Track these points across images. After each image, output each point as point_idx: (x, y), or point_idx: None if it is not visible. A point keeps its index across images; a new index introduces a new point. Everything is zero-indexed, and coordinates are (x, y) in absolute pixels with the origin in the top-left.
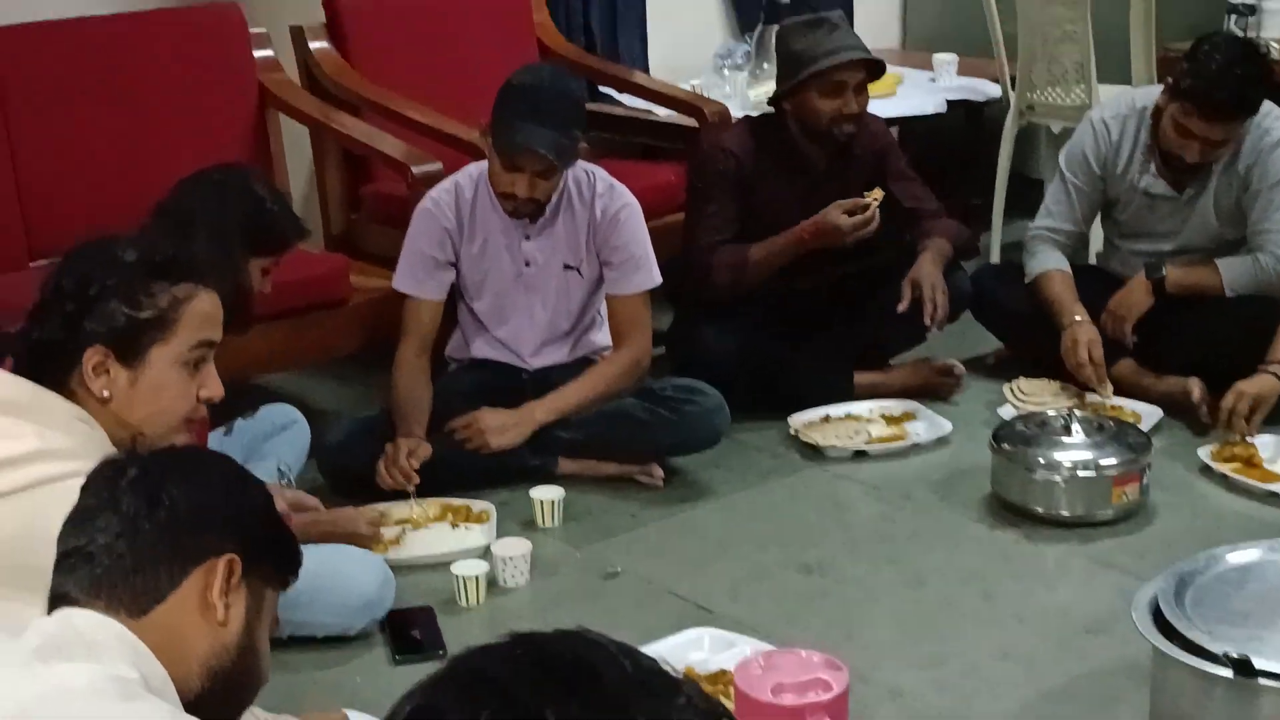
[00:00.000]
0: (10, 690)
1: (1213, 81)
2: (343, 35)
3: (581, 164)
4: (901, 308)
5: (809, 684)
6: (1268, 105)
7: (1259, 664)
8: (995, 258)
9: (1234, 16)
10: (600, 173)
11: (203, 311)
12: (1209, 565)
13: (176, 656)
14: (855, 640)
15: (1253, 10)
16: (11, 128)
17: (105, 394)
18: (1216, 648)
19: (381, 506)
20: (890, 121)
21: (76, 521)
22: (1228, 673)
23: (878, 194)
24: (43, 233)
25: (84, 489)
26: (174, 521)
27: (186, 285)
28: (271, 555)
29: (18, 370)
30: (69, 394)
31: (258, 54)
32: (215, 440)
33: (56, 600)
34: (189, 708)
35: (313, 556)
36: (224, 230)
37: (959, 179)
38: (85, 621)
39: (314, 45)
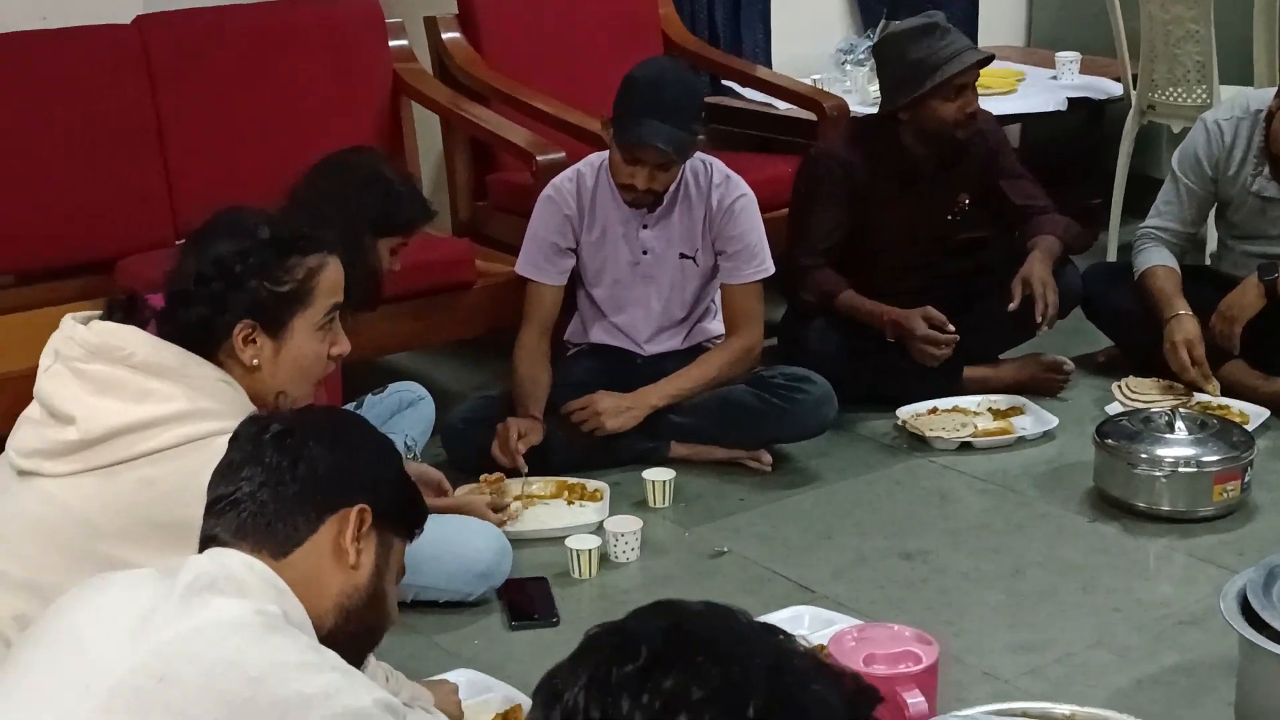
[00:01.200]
0: (169, 621)
1: None
2: (474, 26)
3: (699, 155)
4: (1012, 306)
5: (900, 656)
6: None
7: None
8: (1112, 257)
9: None
10: (717, 164)
11: (333, 279)
12: None
13: (312, 595)
14: (953, 625)
15: None
16: (161, 110)
17: (254, 362)
18: None
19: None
20: (1011, 119)
21: (224, 472)
22: None
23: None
24: (188, 212)
25: (231, 443)
26: (312, 475)
27: (316, 256)
28: (399, 508)
29: (171, 336)
30: (215, 361)
31: (392, 44)
32: None
33: (206, 542)
34: (322, 643)
35: (437, 527)
36: (354, 212)
37: (1079, 178)
38: (234, 561)
39: (446, 36)
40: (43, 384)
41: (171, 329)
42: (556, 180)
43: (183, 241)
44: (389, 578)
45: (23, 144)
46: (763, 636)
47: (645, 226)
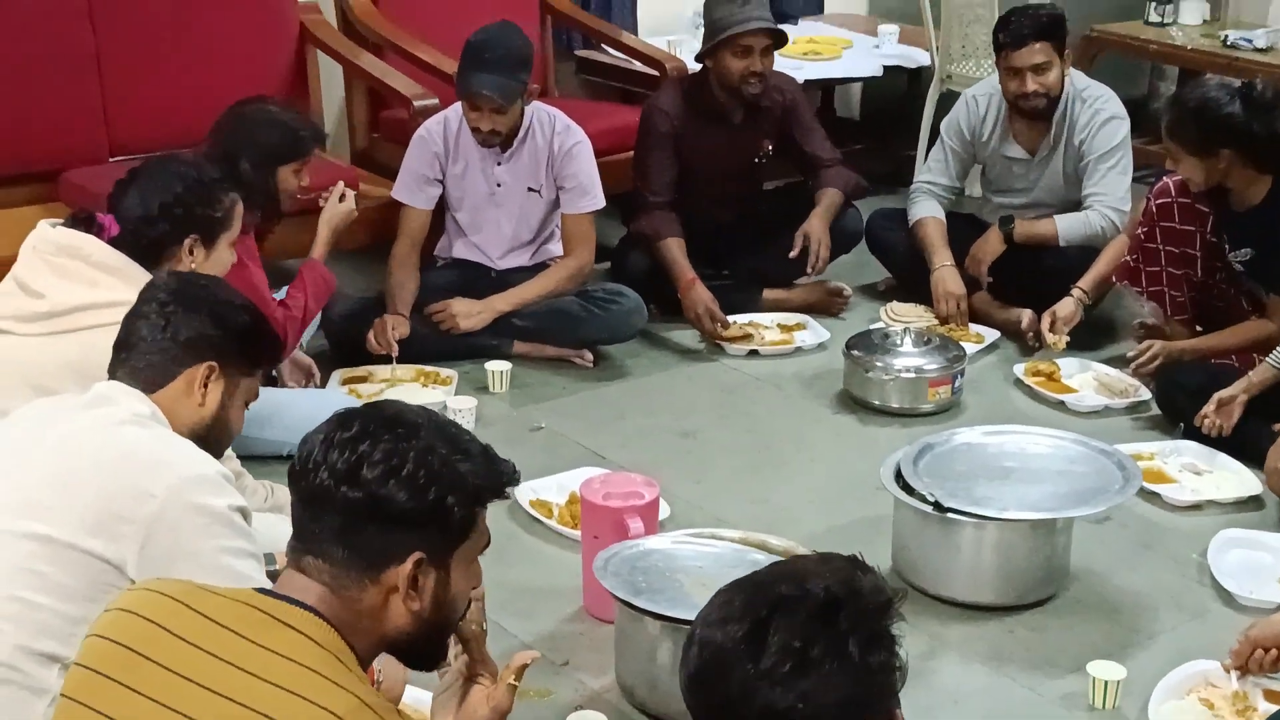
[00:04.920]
0: (70, 422)
1: (1011, 19)
2: None
3: (545, 107)
4: (793, 254)
5: (631, 494)
6: (1102, 89)
7: (950, 503)
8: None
9: (1153, 4)
10: (560, 114)
11: (241, 210)
12: (946, 440)
13: (174, 420)
14: (704, 482)
15: (1168, 2)
16: (100, 44)
17: (193, 266)
18: (929, 494)
19: (370, 368)
20: (829, 81)
21: (125, 325)
22: (929, 509)
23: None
24: (121, 136)
25: (136, 304)
26: (175, 338)
27: (234, 193)
28: (245, 357)
29: (119, 246)
30: (154, 268)
31: None
32: None
33: (110, 374)
34: None
35: (308, 398)
36: (257, 150)
37: (899, 133)
38: (119, 389)
39: None
40: (20, 268)
41: (125, 243)
42: (428, 122)
43: (126, 178)
44: (234, 403)
45: None
46: (439, 426)
47: (499, 163)
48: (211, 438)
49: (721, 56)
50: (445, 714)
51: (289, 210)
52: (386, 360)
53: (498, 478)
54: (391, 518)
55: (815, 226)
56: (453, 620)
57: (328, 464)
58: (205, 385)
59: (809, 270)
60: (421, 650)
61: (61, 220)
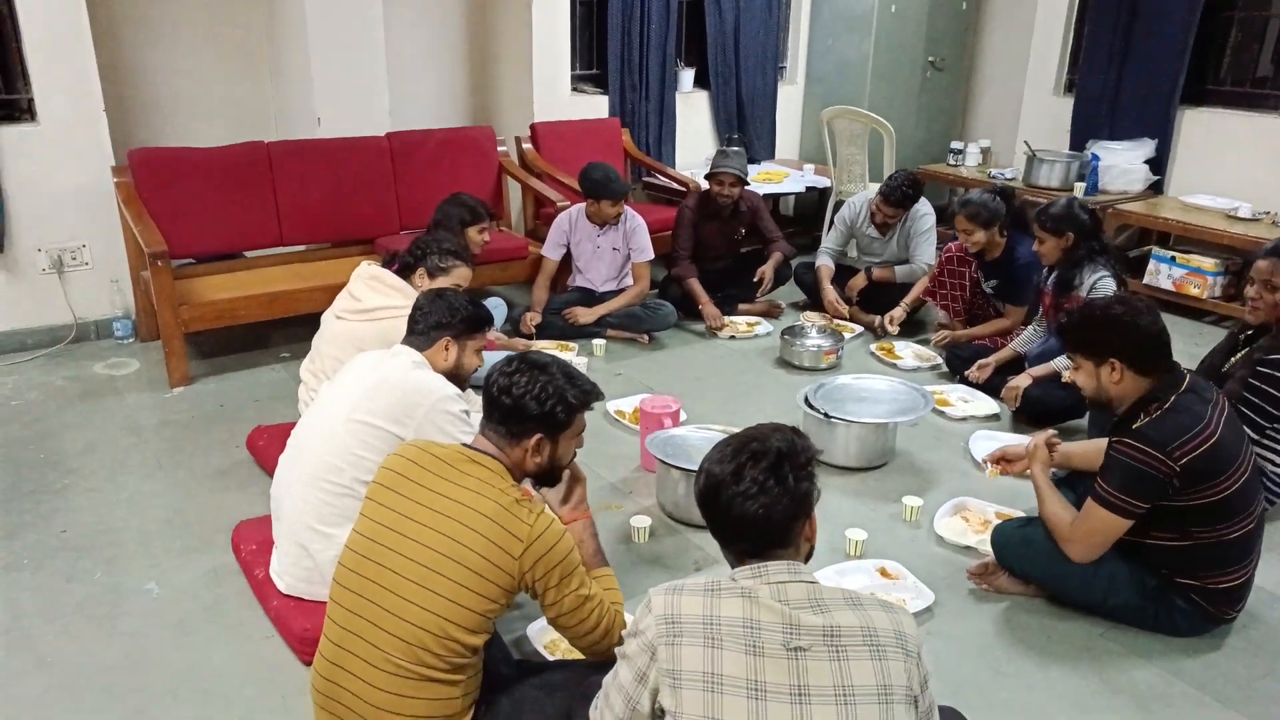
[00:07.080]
0: (384, 364)
1: (887, 188)
2: (537, 142)
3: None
4: (757, 280)
5: (665, 407)
6: (926, 206)
7: (833, 414)
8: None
9: (951, 155)
10: (630, 209)
11: (457, 267)
12: (830, 381)
13: (434, 365)
14: (705, 401)
15: (960, 153)
16: (396, 174)
17: (421, 285)
18: (822, 409)
19: (528, 341)
20: (777, 195)
21: (410, 316)
22: (822, 418)
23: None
24: (405, 219)
25: (416, 303)
26: (431, 319)
27: (461, 261)
28: (470, 330)
29: (399, 274)
30: (412, 284)
31: (500, 149)
32: None
33: (403, 340)
34: None
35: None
36: (453, 218)
37: (812, 223)
38: (405, 349)
39: (525, 146)
40: (352, 284)
41: (401, 271)
42: (561, 214)
43: (413, 239)
44: (466, 359)
45: (335, 189)
46: (561, 366)
47: (599, 235)
48: (454, 375)
49: (711, 184)
50: (556, 494)
51: (479, 256)
52: (529, 338)
53: (587, 395)
54: (527, 416)
55: (768, 270)
56: (560, 466)
57: (498, 386)
58: (448, 348)
59: (759, 293)
60: (545, 477)
61: (373, 259)
